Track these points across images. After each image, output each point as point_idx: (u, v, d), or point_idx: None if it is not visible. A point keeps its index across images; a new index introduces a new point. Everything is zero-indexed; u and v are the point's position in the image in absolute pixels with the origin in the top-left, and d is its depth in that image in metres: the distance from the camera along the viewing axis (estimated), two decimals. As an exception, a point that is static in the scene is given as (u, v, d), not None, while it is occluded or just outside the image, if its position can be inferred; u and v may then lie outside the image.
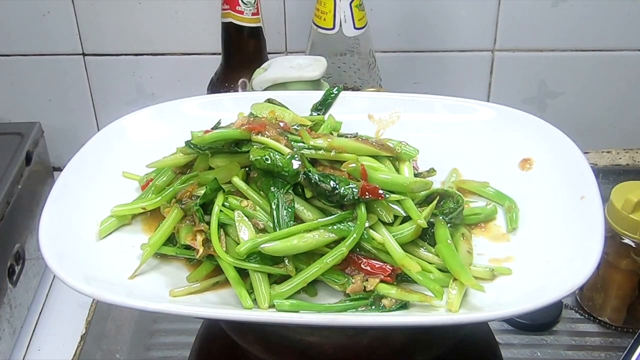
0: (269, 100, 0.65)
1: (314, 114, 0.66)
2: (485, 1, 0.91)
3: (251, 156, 0.54)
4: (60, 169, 0.61)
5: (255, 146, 0.55)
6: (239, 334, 0.57)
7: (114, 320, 0.76)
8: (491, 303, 0.50)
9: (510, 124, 0.63)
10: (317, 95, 0.67)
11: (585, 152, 0.59)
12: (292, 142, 0.56)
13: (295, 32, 0.92)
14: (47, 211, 0.55)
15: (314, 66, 0.72)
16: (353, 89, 0.80)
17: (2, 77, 0.96)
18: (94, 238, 0.56)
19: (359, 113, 0.66)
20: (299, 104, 0.65)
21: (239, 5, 0.78)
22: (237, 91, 0.82)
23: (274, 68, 0.73)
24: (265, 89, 0.71)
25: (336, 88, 0.67)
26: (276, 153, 0.54)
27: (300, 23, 0.90)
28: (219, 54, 0.84)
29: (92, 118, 1.00)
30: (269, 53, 0.84)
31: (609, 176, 0.93)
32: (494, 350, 0.66)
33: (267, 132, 0.56)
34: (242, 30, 0.80)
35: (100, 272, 0.53)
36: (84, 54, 0.95)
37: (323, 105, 0.66)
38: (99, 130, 0.65)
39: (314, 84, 0.72)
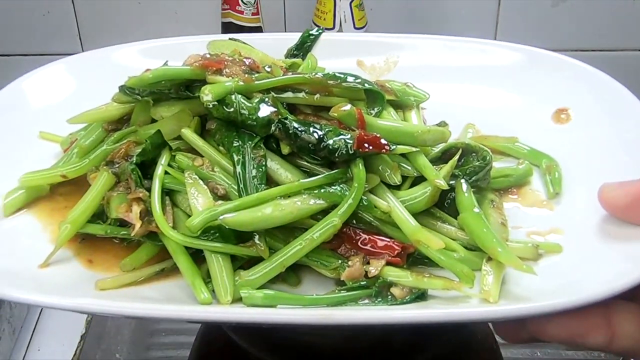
0: (232, 39, 0.52)
1: (290, 60, 0.56)
2: (485, 1, 0.92)
3: (203, 97, 0.41)
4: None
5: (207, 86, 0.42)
6: (239, 334, 0.53)
7: (114, 320, 0.76)
8: (536, 290, 0.38)
9: (538, 68, 0.54)
10: (294, 38, 0.56)
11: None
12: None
13: (295, 32, 0.90)
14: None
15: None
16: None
17: (2, 77, 0.91)
18: (-2, 216, 0.45)
19: (346, 58, 0.56)
20: (273, 50, 0.55)
21: (239, 5, 0.82)
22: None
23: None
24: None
25: (316, 29, 0.56)
26: (239, 96, 0.42)
27: (300, 23, 0.92)
28: (219, 53, 0.83)
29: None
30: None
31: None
32: (494, 350, 0.62)
33: (227, 70, 0.43)
34: (242, 30, 0.82)
35: (3, 259, 0.42)
36: (83, 54, 0.97)
37: (300, 50, 0.58)
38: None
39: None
